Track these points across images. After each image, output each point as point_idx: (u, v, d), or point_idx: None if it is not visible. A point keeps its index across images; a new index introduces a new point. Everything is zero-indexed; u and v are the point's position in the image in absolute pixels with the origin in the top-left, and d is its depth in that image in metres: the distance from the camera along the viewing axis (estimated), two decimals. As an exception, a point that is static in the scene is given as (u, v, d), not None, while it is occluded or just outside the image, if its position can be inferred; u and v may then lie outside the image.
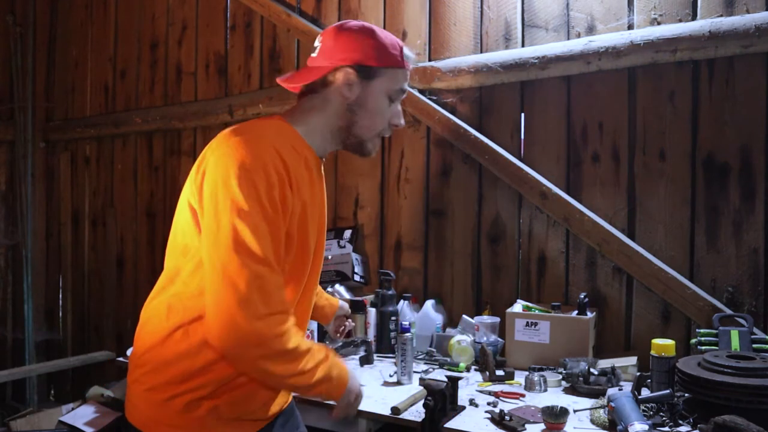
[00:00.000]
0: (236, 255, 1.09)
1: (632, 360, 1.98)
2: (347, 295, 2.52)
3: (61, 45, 3.97)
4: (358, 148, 1.36)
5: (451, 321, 2.46)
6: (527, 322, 2.08)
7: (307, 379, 1.18)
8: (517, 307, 2.20)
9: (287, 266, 1.22)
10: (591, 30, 2.23)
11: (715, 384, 1.51)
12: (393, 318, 2.32)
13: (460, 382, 1.75)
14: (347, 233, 2.73)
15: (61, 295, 3.95)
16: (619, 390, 1.71)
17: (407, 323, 1.97)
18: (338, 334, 1.85)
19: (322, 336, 2.29)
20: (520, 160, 2.35)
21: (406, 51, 1.33)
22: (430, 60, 2.56)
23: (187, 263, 1.22)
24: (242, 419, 1.26)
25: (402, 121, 1.36)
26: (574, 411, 1.66)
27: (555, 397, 1.82)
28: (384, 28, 2.66)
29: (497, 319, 2.22)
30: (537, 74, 2.29)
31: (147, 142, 3.53)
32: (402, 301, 2.38)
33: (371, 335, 2.35)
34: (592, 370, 1.84)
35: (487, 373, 1.98)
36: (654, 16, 2.12)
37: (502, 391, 1.84)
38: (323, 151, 1.36)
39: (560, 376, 1.91)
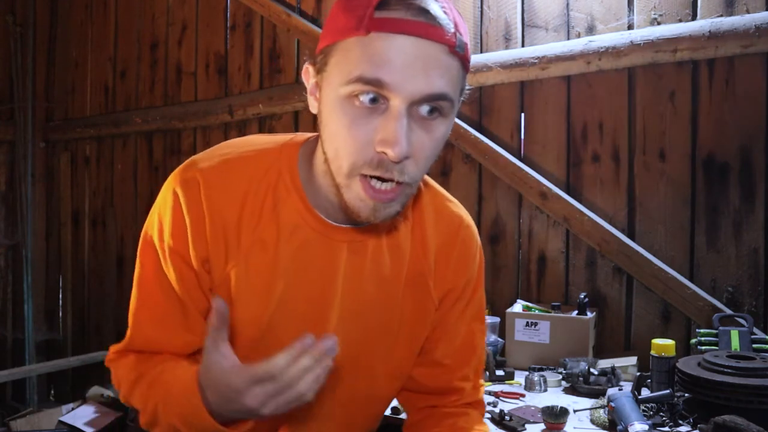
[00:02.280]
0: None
1: (632, 360, 1.98)
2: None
3: (61, 45, 3.97)
4: (343, 206, 0.82)
5: (451, 321, 2.46)
6: (527, 322, 2.08)
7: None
8: (517, 307, 2.20)
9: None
10: (591, 30, 2.23)
11: (715, 384, 1.50)
12: (393, 318, 2.32)
13: (460, 382, 1.74)
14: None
15: (61, 295, 3.95)
16: (619, 390, 1.71)
17: (407, 323, 1.96)
18: None
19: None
20: (520, 160, 2.35)
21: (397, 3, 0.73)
22: (430, 60, 2.56)
23: None
24: None
25: (395, 149, 0.73)
26: (574, 411, 1.66)
27: (555, 397, 1.82)
28: (384, 28, 2.66)
29: (497, 319, 2.22)
30: (537, 74, 2.29)
31: (147, 142, 3.53)
32: (402, 301, 2.38)
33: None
34: (592, 370, 1.84)
35: (487, 373, 1.98)
36: (654, 16, 2.12)
37: (502, 391, 1.83)
38: (335, 209, 0.88)
39: (560, 376, 1.91)
